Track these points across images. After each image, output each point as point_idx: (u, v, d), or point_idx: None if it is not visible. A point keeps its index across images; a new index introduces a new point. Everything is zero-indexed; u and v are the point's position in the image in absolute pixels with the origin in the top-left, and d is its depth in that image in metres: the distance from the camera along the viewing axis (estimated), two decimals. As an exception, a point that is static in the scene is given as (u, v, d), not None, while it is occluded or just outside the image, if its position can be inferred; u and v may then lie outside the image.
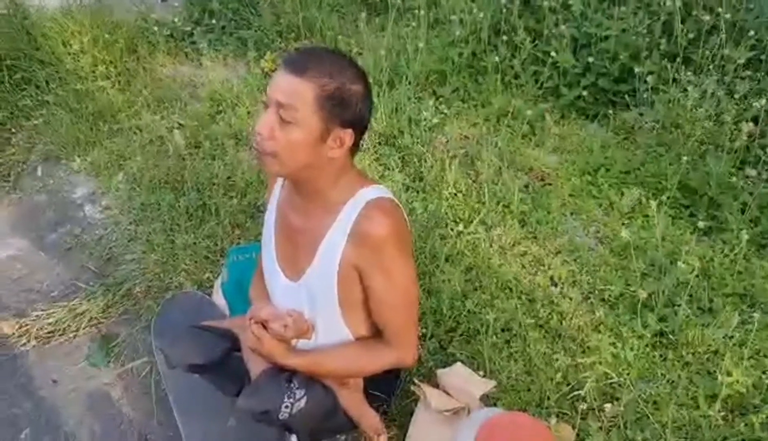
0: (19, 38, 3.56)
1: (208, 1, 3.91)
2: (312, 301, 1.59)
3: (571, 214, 2.61)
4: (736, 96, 2.69)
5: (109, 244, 2.76)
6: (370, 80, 1.52)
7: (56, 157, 3.23)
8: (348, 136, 1.45)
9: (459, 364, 1.90)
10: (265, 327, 1.52)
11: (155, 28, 3.77)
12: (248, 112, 3.27)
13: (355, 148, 1.51)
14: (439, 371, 1.87)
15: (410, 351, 1.63)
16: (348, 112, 1.43)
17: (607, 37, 3.09)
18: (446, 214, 2.59)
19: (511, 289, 2.30)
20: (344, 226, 1.51)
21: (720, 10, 2.90)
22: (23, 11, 3.75)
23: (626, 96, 3.02)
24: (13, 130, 3.40)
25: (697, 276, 2.19)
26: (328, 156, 1.46)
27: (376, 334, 1.63)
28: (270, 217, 1.69)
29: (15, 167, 3.26)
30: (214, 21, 3.83)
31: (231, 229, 2.67)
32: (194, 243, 2.62)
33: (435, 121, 3.00)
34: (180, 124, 3.24)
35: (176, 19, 3.87)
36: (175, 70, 3.72)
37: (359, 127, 1.47)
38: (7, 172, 3.25)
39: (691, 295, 2.16)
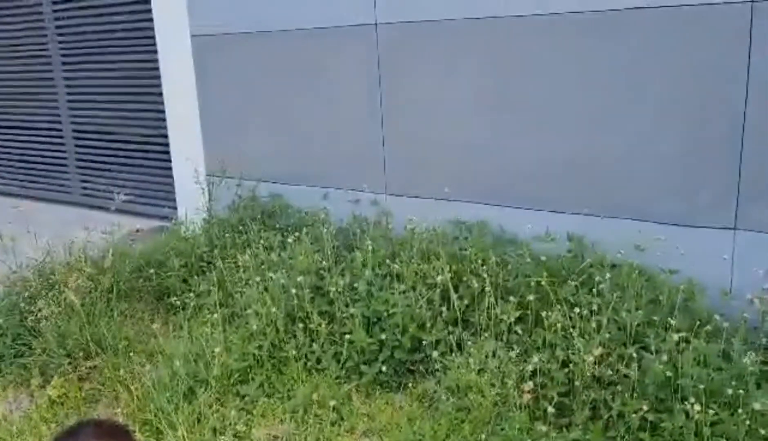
0: None
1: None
2: None
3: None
4: (514, 354, 2.92)
5: None
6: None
7: None
8: None
9: None
10: None
11: None
12: (30, 455, 2.94)
13: None
14: None
15: None
16: None
17: (394, 313, 3.29)
18: None
19: None
20: None
21: (485, 275, 3.25)
22: None
23: (420, 366, 3.17)
24: None
25: None
26: None
27: None
28: None
29: None
30: (-9, 351, 3.55)
31: None
32: None
33: (241, 427, 2.89)
34: (-55, 485, 2.81)
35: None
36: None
37: None
38: None
39: None
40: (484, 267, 3.33)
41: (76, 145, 6.27)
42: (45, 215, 5.76)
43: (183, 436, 2.85)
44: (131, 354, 3.41)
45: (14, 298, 3.85)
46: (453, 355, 3.06)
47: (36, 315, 3.62)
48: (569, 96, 3.58)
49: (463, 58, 3.87)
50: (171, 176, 5.40)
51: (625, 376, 2.72)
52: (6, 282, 4.02)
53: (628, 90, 3.40)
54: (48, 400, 3.28)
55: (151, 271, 4.09)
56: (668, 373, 2.60)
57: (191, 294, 3.78)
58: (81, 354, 3.47)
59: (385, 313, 3.31)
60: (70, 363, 3.45)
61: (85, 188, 6.30)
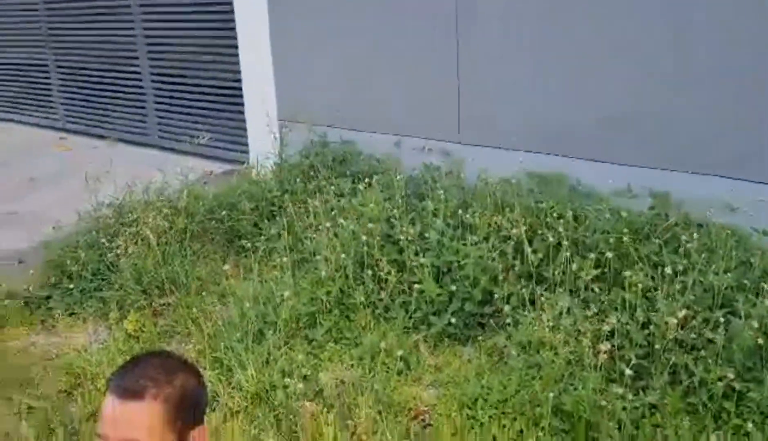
0: None
1: (66, 263, 3.78)
2: None
3: (456, 458, 2.52)
4: (590, 312, 2.81)
5: None
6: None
7: None
8: (202, 431, 1.37)
9: None
10: None
11: (6, 302, 3.56)
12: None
13: None
14: None
15: None
16: (198, 410, 1.38)
17: (465, 265, 3.21)
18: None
19: None
20: None
21: (561, 230, 3.12)
22: None
23: (491, 319, 3.09)
24: None
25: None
26: None
27: None
28: None
29: None
30: (72, 285, 3.68)
31: None
32: None
33: (308, 371, 2.91)
34: (30, 408, 2.95)
35: (31, 288, 3.69)
36: (28, 341, 3.47)
37: (203, 416, 1.40)
38: None
39: None
40: (561, 221, 3.20)
41: (154, 88, 6.37)
42: (124, 156, 5.91)
43: (252, 376, 2.89)
44: (203, 293, 3.48)
45: (95, 235, 3.98)
46: (525, 310, 2.97)
47: (114, 251, 3.73)
48: (662, 45, 3.34)
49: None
50: (244, 121, 5.41)
51: (710, 341, 2.57)
52: (87, 219, 4.15)
53: (724, 41, 3.14)
54: (125, 334, 3.39)
55: (223, 213, 4.13)
56: (759, 341, 2.43)
57: (261, 237, 3.80)
58: (156, 291, 3.56)
59: (456, 264, 3.23)
60: (145, 299, 3.55)
61: (161, 130, 6.42)
